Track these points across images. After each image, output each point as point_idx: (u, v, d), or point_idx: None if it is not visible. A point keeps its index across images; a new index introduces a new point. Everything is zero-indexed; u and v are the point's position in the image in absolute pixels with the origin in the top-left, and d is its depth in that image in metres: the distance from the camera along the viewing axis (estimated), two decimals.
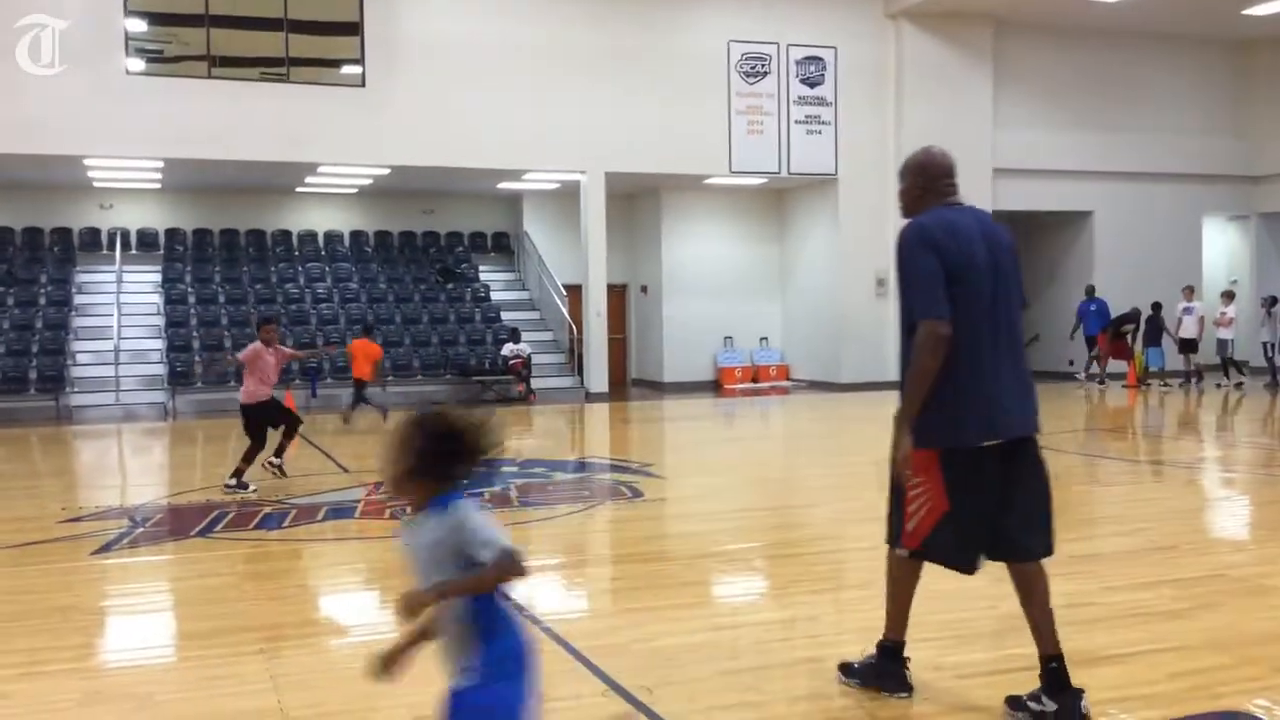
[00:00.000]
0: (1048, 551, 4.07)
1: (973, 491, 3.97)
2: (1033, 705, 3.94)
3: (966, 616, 5.24)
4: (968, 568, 4.12)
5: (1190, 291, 21.19)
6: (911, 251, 4.01)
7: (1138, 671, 4.39)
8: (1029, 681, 4.09)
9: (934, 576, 6.14)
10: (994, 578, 6.26)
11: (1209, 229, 24.47)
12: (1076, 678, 3.99)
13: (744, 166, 20.82)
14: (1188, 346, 20.75)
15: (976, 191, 21.61)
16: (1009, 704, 4.04)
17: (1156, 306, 21.20)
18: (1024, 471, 4.04)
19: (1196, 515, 8.40)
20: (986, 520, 4.00)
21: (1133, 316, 21.06)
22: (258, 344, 10.29)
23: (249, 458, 9.90)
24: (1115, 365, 21.33)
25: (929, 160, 4.21)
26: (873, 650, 4.35)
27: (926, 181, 4.20)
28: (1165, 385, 20.67)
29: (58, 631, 5.43)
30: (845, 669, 4.40)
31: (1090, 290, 21.61)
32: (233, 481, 9.67)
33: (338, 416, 15.98)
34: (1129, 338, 21.17)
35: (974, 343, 3.96)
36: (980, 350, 3.97)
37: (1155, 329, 21.10)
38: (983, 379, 3.95)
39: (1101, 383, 20.96)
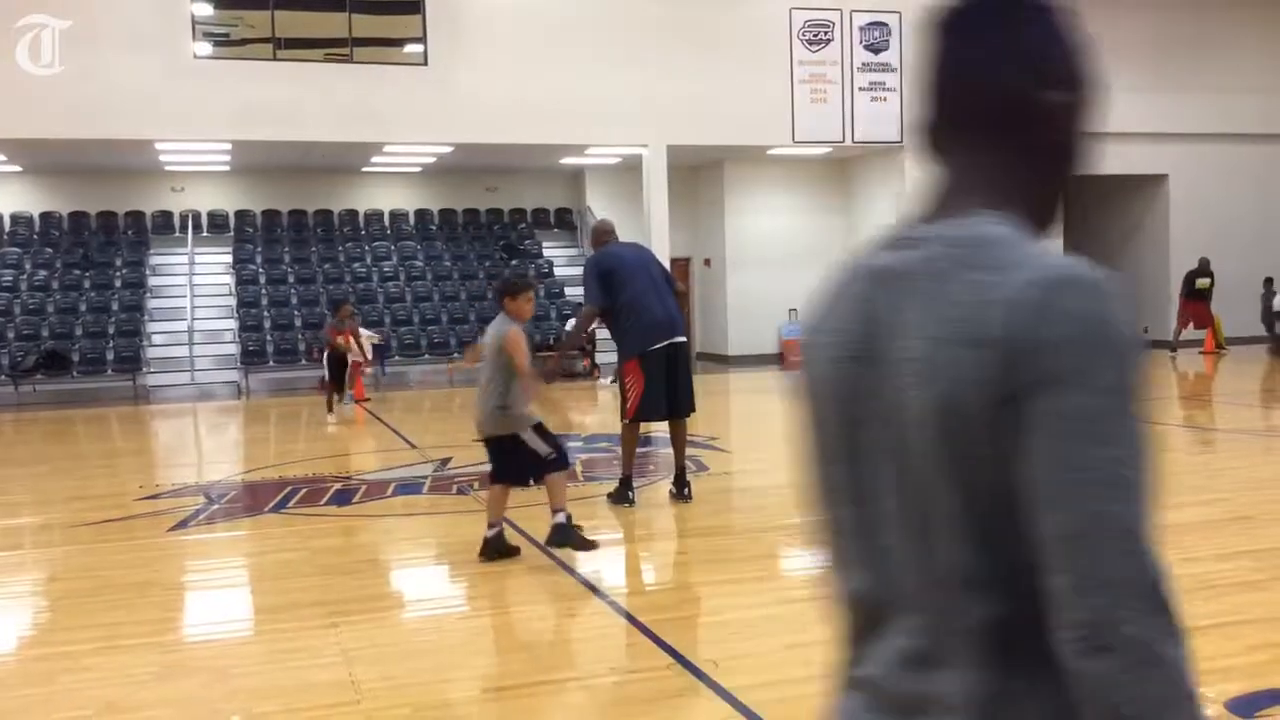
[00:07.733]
0: (692, 412, 7.71)
1: (655, 376, 7.29)
2: (676, 489, 7.72)
3: None
4: (660, 418, 7.61)
5: (1270, 283, 20.46)
6: (587, 270, 7.79)
7: (1216, 644, 4.29)
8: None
9: None
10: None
11: None
12: None
13: (807, 136, 20.59)
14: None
15: None
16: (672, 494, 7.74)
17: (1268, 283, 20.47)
18: (680, 364, 7.49)
19: (1275, 485, 8.19)
20: (664, 393, 7.34)
21: (1203, 269, 20.26)
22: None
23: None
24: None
25: (598, 227, 8.10)
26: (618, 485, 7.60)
27: (597, 238, 7.93)
28: None
29: (136, 606, 5.55)
30: (608, 496, 7.69)
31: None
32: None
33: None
34: (1207, 298, 20.23)
35: (644, 302, 7.39)
36: (649, 304, 7.39)
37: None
38: (654, 316, 7.38)
39: (1174, 350, 20.00)
